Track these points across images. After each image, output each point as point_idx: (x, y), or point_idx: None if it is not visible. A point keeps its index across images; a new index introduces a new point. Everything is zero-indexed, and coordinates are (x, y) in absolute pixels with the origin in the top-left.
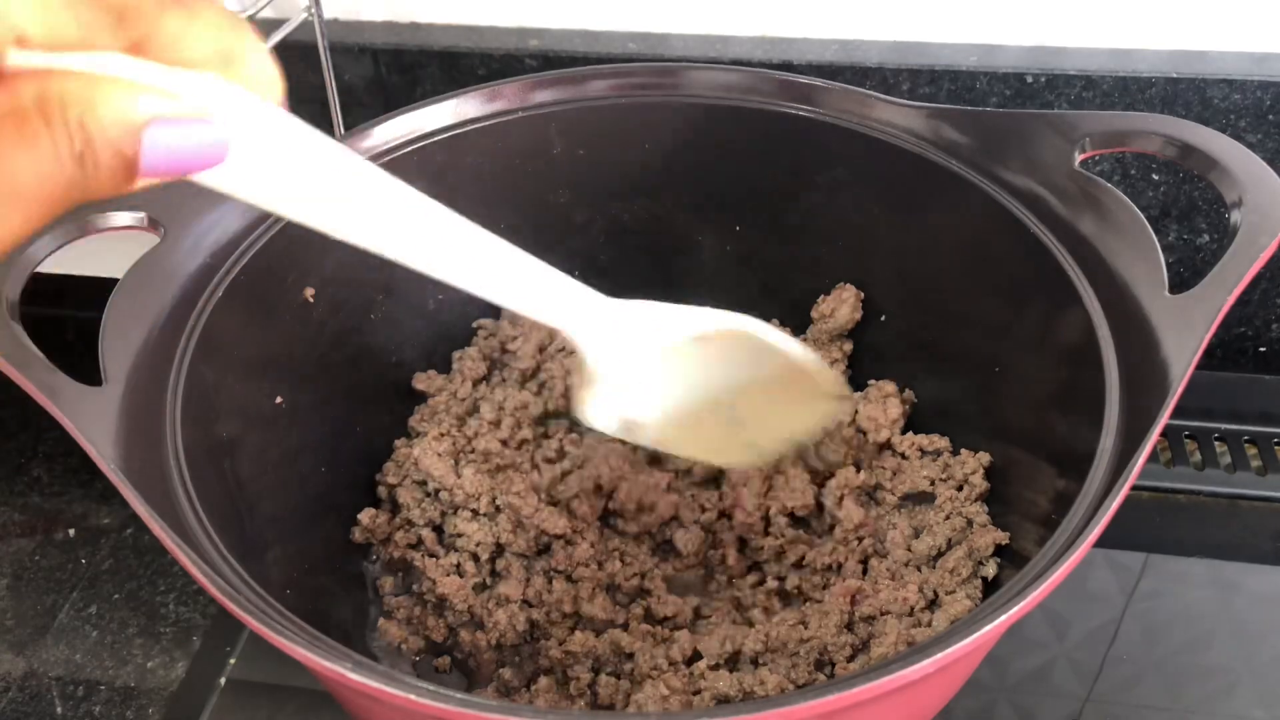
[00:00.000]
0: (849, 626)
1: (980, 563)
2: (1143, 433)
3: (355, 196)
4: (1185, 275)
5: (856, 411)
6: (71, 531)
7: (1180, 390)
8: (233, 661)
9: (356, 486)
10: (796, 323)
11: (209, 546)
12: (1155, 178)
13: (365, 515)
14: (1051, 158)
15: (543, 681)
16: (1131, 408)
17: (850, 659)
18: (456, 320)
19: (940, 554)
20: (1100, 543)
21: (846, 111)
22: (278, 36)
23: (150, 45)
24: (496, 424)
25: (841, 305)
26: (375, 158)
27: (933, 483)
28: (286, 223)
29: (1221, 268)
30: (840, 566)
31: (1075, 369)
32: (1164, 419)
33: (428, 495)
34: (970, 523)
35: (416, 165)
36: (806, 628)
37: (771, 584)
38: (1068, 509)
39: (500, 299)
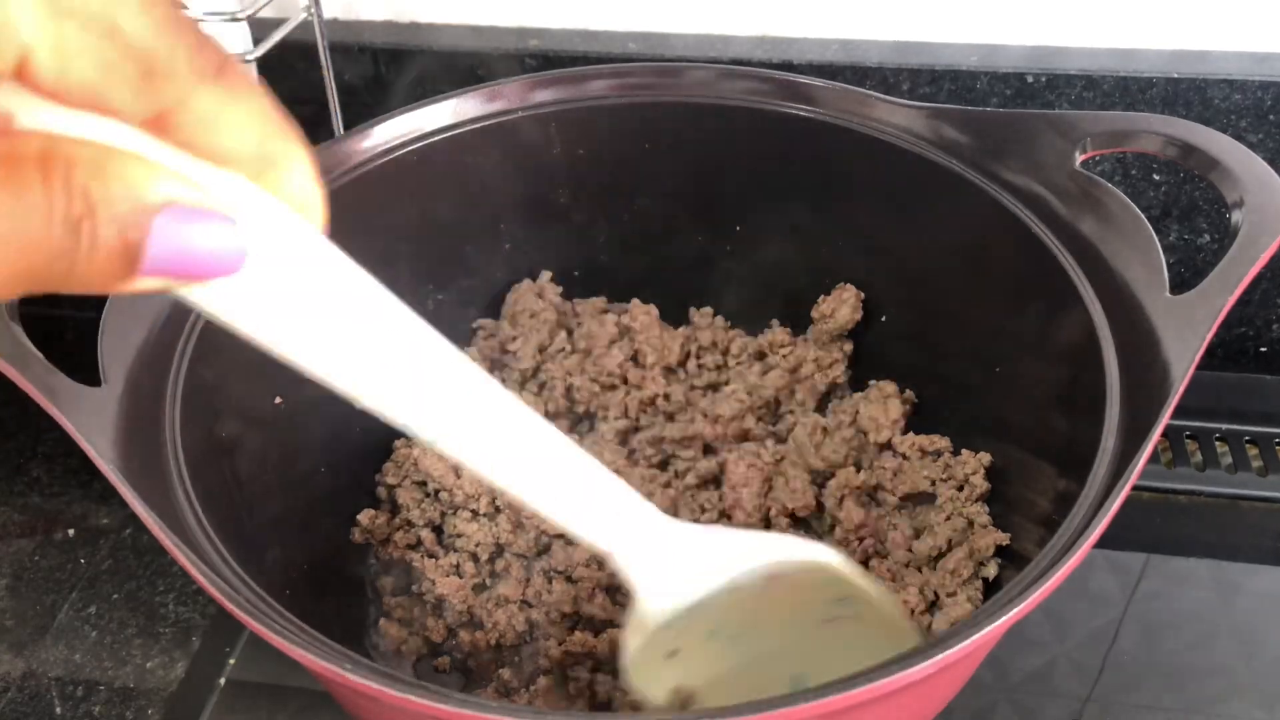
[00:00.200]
0: None
1: (981, 563)
2: (1144, 433)
3: (387, 357)
4: (1186, 275)
5: (858, 412)
6: (71, 532)
7: (1181, 390)
8: (232, 662)
9: (356, 487)
10: (797, 323)
11: (208, 547)
12: (1156, 178)
13: (365, 516)
14: (1052, 158)
15: (542, 682)
16: (1132, 408)
17: None
18: (457, 321)
19: (941, 555)
20: (1101, 543)
21: (846, 111)
22: (277, 36)
23: (177, 120)
24: None
25: (842, 305)
26: (375, 158)
27: (933, 483)
28: None
29: (1222, 268)
30: None
31: (1076, 369)
32: (1165, 419)
33: (427, 496)
34: (971, 523)
35: (416, 165)
36: None
37: None
38: (1068, 509)
39: (538, 501)
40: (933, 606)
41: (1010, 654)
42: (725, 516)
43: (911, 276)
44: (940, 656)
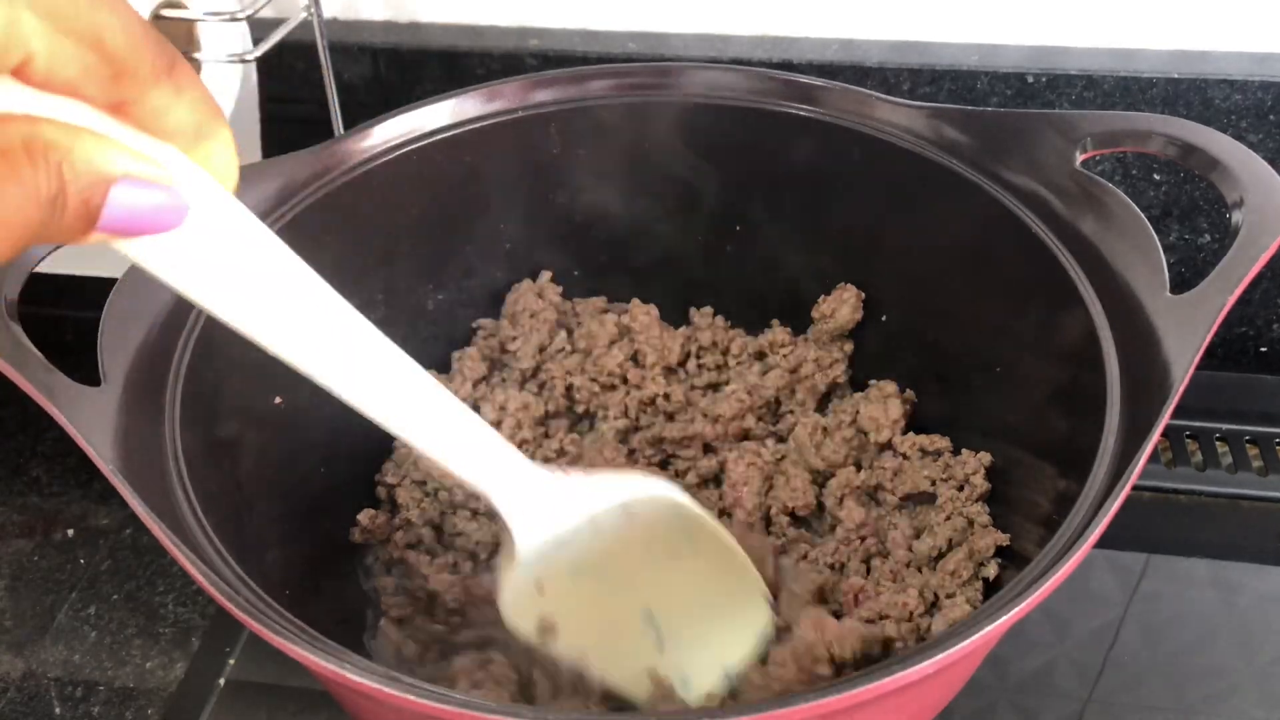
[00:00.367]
0: None
1: (981, 564)
2: (1144, 433)
3: (290, 306)
4: (1186, 275)
5: (858, 412)
6: (70, 532)
7: (1181, 390)
8: (232, 662)
9: (356, 486)
10: (797, 323)
11: (208, 547)
12: (1156, 178)
13: (364, 516)
14: (1052, 158)
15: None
16: (1132, 408)
17: None
18: (456, 320)
19: (941, 555)
20: (1101, 543)
21: (847, 111)
22: (277, 36)
23: (133, 110)
24: (497, 424)
25: (842, 305)
26: (375, 158)
27: (934, 483)
28: (286, 225)
29: (1223, 268)
30: (843, 567)
31: (1076, 369)
32: (1165, 419)
33: (427, 495)
34: (971, 523)
35: (416, 165)
36: None
37: None
38: (1069, 509)
39: (426, 446)
40: (931, 609)
41: (1010, 654)
42: (726, 515)
43: (911, 276)
44: (939, 657)
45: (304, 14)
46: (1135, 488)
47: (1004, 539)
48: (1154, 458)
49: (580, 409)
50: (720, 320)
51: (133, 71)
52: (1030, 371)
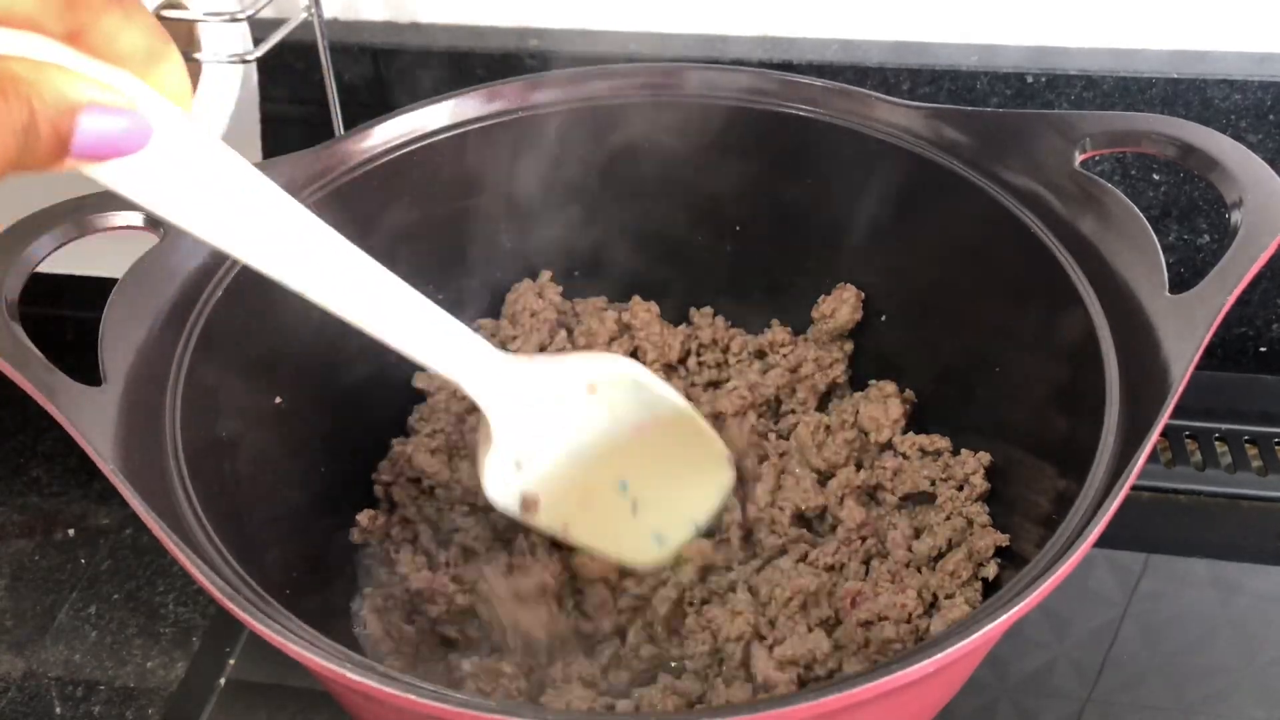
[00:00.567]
0: None
1: (980, 564)
2: (1143, 432)
3: (253, 215)
4: (1186, 275)
5: (858, 411)
6: (71, 532)
7: (1181, 390)
8: (232, 662)
9: (356, 486)
10: (797, 323)
11: (208, 547)
12: (1156, 178)
13: (364, 516)
14: (1052, 158)
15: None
16: (1132, 407)
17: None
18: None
19: (941, 555)
20: (1101, 543)
21: (847, 111)
22: (277, 36)
23: (86, 36)
24: None
25: (841, 305)
26: (375, 158)
27: (933, 483)
28: None
29: (1222, 268)
30: (842, 567)
31: (1075, 369)
32: (1164, 419)
33: (423, 492)
34: (971, 523)
35: (416, 165)
36: None
37: None
38: (1068, 509)
39: (399, 343)
40: (930, 610)
41: (1010, 654)
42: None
43: (911, 276)
44: (939, 656)
45: (304, 14)
46: (1134, 487)
47: (1003, 539)
48: (1153, 457)
49: None
50: (720, 320)
51: (84, 1)
52: (1029, 371)
